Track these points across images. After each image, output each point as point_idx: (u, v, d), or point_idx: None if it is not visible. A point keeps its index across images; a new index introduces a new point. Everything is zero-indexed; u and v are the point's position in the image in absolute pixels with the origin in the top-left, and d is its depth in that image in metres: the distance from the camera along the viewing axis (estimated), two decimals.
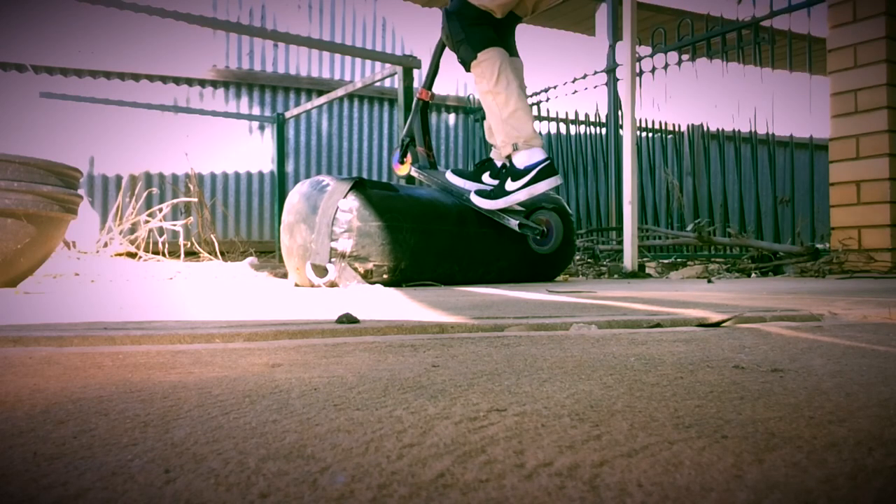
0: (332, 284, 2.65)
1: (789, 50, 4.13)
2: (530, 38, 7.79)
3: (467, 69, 2.80)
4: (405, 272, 2.80)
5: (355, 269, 2.69)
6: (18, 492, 0.38)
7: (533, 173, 2.71)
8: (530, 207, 2.94)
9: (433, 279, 2.88)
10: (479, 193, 2.89)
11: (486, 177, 3.03)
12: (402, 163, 3.27)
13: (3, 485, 0.39)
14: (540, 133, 2.83)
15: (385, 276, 2.75)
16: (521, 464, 0.42)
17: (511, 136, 2.73)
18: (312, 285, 2.70)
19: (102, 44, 5.76)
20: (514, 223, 2.86)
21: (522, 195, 2.74)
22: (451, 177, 3.08)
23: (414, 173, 3.21)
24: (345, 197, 2.70)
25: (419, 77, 7.06)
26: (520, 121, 2.71)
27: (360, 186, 2.74)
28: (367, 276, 2.72)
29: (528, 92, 6.63)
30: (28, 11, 5.53)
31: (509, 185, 2.77)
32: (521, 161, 2.73)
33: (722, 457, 0.43)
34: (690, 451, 0.44)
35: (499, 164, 3.01)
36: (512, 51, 2.93)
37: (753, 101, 4.50)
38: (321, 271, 2.68)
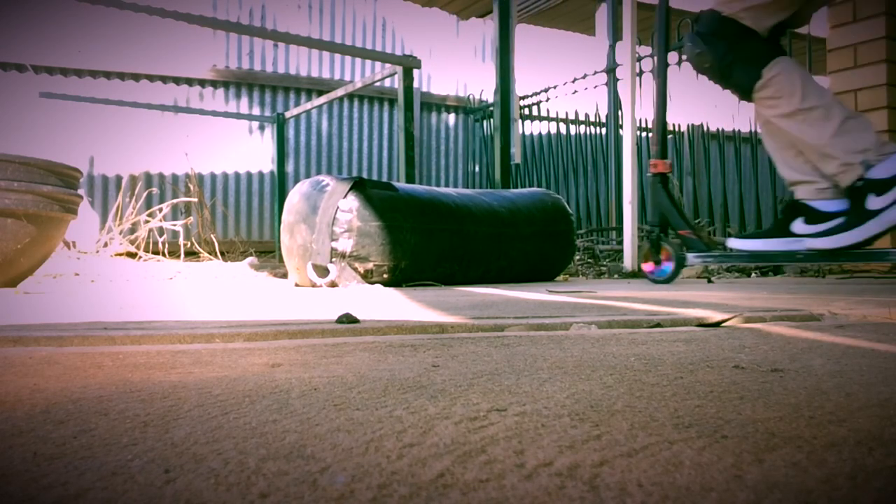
0: (333, 284, 2.65)
1: (789, 50, 4.13)
2: (531, 38, 7.78)
3: (748, 97, 2.30)
4: (405, 272, 2.80)
5: (355, 269, 2.69)
6: (18, 492, 0.38)
7: None
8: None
9: (433, 278, 2.88)
10: (825, 234, 2.24)
11: (799, 224, 2.35)
12: (658, 262, 2.70)
13: (3, 485, 0.39)
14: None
15: (385, 276, 2.75)
16: (521, 464, 0.42)
17: (854, 152, 2.15)
18: (313, 285, 2.70)
19: (102, 44, 5.76)
20: None
21: None
22: (744, 243, 2.42)
23: (696, 261, 2.58)
24: (345, 197, 2.70)
25: (419, 77, 7.09)
26: (859, 128, 2.17)
27: (359, 186, 2.74)
28: (368, 276, 2.73)
29: (529, 91, 6.67)
30: (28, 11, 5.53)
31: (873, 202, 2.14)
32: (883, 171, 2.13)
33: (722, 457, 0.43)
34: (690, 451, 0.44)
35: (815, 203, 2.32)
36: None
37: None
38: (322, 271, 2.69)
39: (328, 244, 2.68)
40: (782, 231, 2.37)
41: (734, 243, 2.46)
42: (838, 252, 2.21)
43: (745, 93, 2.29)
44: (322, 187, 2.77)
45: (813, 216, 2.32)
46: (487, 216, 3.08)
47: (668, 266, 2.66)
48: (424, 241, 2.84)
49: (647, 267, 2.79)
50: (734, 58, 2.24)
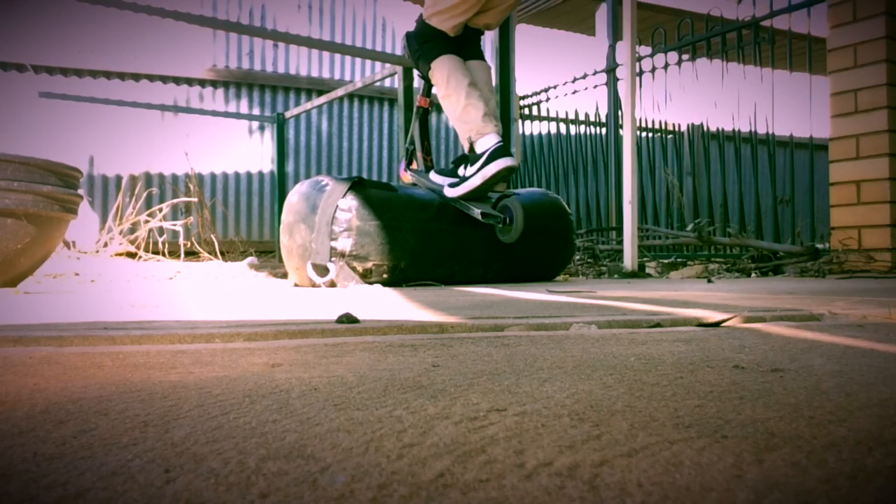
0: (332, 284, 2.65)
1: (789, 50, 4.13)
2: (531, 38, 7.79)
3: (429, 82, 3.08)
4: (405, 272, 2.80)
5: (354, 269, 2.69)
6: (18, 492, 0.38)
7: (485, 157, 2.81)
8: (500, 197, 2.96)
9: (433, 279, 2.88)
10: (451, 185, 3.01)
11: (461, 170, 3.08)
12: (408, 170, 3.30)
13: (3, 485, 0.39)
14: (495, 122, 2.90)
15: (385, 276, 2.75)
16: (521, 464, 0.42)
17: (465, 130, 2.89)
18: (313, 285, 2.70)
19: (102, 44, 5.76)
20: (476, 212, 2.87)
21: (478, 179, 2.83)
22: (433, 176, 3.15)
23: (410, 178, 3.24)
24: (344, 196, 2.70)
25: (419, 77, 7.08)
26: (469, 114, 2.86)
27: (359, 186, 2.74)
28: (367, 276, 2.72)
29: (529, 91, 6.66)
30: (28, 11, 5.53)
31: (468, 170, 2.91)
32: (478, 148, 2.87)
33: (722, 457, 0.43)
34: (690, 451, 0.44)
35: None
36: (471, 55, 3.11)
37: (753, 101, 4.50)
38: (322, 270, 2.68)
39: (327, 243, 2.68)
40: (454, 173, 3.05)
41: (432, 176, 3.15)
42: (453, 200, 2.97)
43: (426, 79, 3.08)
44: (321, 187, 2.77)
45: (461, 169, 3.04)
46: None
47: None
48: (424, 241, 2.84)
49: None
50: (420, 53, 3.01)
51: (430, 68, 2.98)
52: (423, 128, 3.25)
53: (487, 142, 2.83)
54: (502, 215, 2.90)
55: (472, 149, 2.91)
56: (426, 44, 3.01)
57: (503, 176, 2.85)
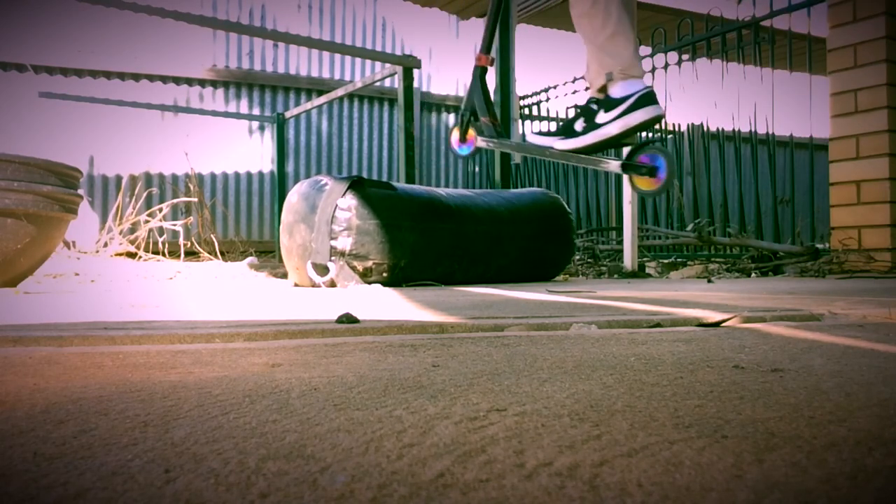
0: (332, 284, 2.65)
1: (789, 50, 4.13)
2: (530, 38, 7.78)
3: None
4: (405, 270, 2.80)
5: (354, 268, 2.69)
6: (18, 492, 0.38)
7: (630, 102, 2.30)
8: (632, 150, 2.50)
9: (433, 278, 2.88)
10: (565, 136, 2.48)
11: (578, 124, 2.52)
12: (463, 140, 2.87)
13: (3, 485, 0.39)
14: (642, 64, 2.38)
15: (384, 275, 2.75)
16: (521, 464, 0.42)
17: (606, 64, 2.34)
18: (313, 284, 2.71)
19: (102, 44, 5.76)
20: (615, 165, 2.44)
21: (615, 127, 2.31)
22: (532, 137, 2.64)
23: (482, 144, 2.81)
24: (343, 196, 2.70)
25: (419, 77, 7.08)
26: (617, 45, 2.32)
27: (358, 185, 2.75)
28: (367, 274, 2.72)
29: (529, 91, 6.66)
30: (28, 11, 5.53)
31: (601, 116, 2.37)
32: (617, 91, 2.33)
33: (722, 457, 0.43)
34: (690, 450, 0.44)
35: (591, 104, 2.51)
36: None
37: (753, 101, 4.50)
38: (322, 270, 2.69)
39: (327, 242, 2.68)
40: (566, 130, 2.51)
41: (531, 138, 2.62)
42: (568, 153, 2.46)
43: None
44: (321, 187, 2.77)
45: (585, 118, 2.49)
46: (487, 216, 3.08)
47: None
48: (424, 240, 2.84)
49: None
50: None
51: None
52: (484, 90, 2.77)
53: (633, 86, 2.31)
54: (646, 166, 2.39)
55: (604, 90, 2.36)
56: None
57: (647, 126, 2.36)
